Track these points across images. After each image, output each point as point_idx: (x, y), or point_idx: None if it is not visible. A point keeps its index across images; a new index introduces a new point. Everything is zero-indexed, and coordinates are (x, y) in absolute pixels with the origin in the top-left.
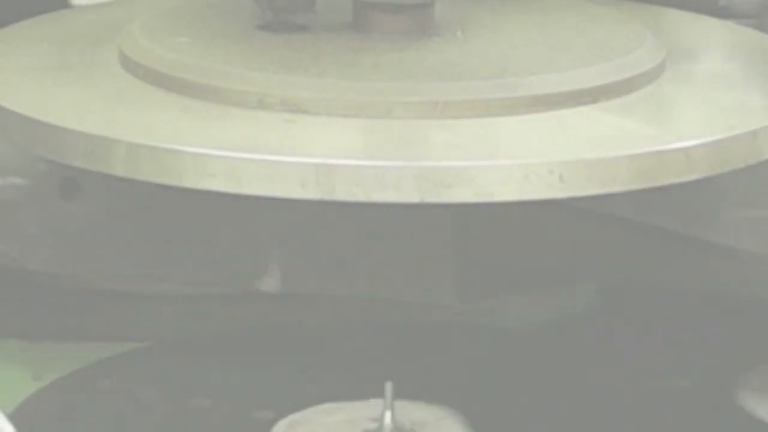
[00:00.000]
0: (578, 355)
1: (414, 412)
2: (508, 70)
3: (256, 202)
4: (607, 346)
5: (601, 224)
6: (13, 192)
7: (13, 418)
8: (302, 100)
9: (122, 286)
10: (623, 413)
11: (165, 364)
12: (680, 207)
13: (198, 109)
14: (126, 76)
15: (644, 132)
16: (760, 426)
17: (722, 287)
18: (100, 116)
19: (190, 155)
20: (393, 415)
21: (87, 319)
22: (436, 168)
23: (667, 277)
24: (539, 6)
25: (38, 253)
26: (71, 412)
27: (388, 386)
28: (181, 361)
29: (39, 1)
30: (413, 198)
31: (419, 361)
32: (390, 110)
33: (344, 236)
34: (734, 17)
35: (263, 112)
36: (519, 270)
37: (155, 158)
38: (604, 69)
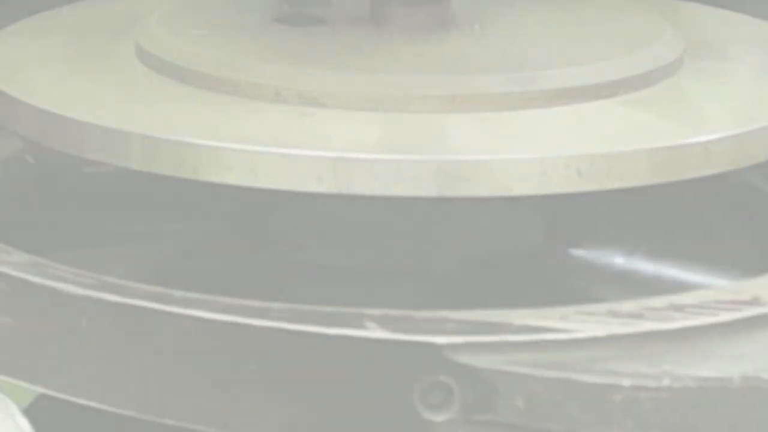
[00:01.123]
0: None
1: None
2: (526, 64)
3: None
4: None
5: None
6: None
7: (28, 413)
8: (319, 93)
9: None
10: None
11: None
12: None
13: (214, 102)
14: (142, 69)
15: (663, 126)
16: None
17: None
18: (116, 109)
19: (206, 148)
20: None
21: None
22: (454, 162)
23: None
24: (557, 0)
25: None
26: (86, 408)
27: None
28: None
29: None
30: (431, 192)
31: None
32: (407, 104)
33: None
34: None
35: (280, 105)
36: None
37: (171, 151)
38: (622, 63)
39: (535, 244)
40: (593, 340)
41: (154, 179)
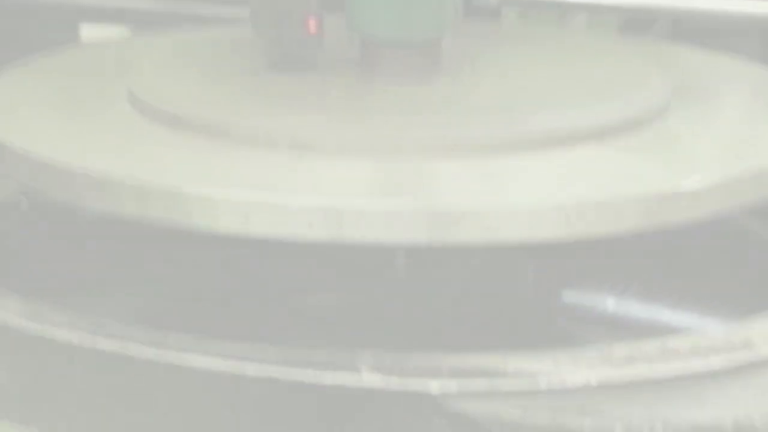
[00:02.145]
0: None
1: None
2: (515, 109)
3: None
4: None
5: None
6: None
7: None
8: (310, 139)
9: None
10: None
11: None
12: None
13: (206, 149)
14: (134, 115)
15: (652, 171)
16: None
17: None
18: (108, 156)
19: (198, 197)
20: None
21: None
22: (443, 209)
23: None
24: (546, 44)
25: None
26: None
27: None
28: None
29: (48, 38)
30: (421, 240)
31: None
32: (398, 149)
33: None
34: None
35: (271, 151)
36: None
37: (163, 199)
38: (611, 107)
39: (526, 288)
40: (586, 385)
41: (148, 225)
